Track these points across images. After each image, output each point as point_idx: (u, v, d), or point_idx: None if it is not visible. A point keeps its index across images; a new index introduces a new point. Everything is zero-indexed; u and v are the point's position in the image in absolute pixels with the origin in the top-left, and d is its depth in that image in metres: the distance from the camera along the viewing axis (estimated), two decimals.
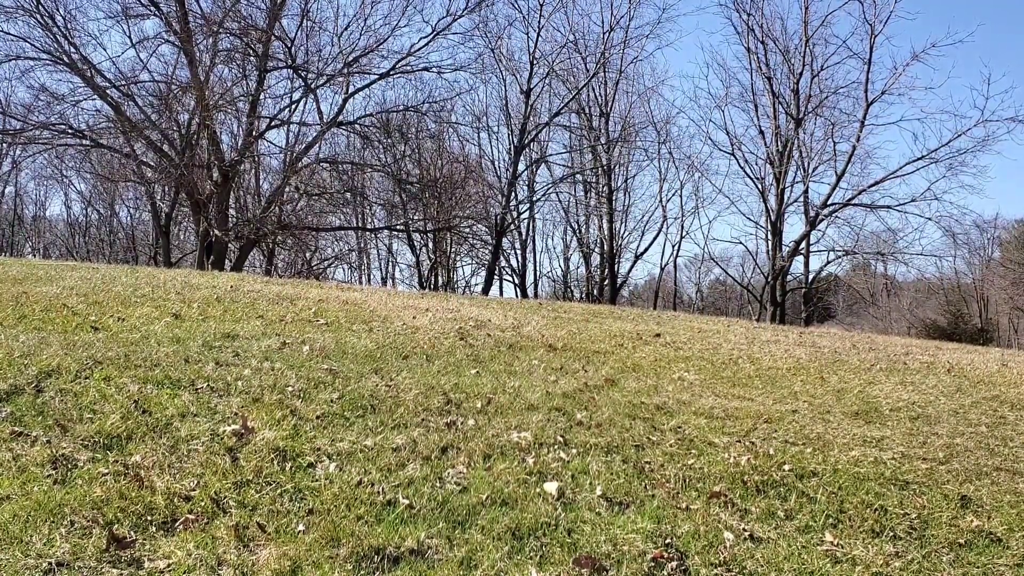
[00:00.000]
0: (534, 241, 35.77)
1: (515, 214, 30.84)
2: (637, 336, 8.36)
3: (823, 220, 27.47)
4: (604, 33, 28.92)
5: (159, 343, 5.35)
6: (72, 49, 18.93)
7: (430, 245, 32.62)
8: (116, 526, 2.87)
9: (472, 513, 3.28)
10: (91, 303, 6.69)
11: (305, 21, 21.33)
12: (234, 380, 4.65)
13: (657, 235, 33.39)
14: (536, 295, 35.26)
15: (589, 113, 31.24)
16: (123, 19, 19.81)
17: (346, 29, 22.29)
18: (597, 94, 30.87)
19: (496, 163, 32.36)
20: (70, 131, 19.54)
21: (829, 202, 26.78)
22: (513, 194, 29.66)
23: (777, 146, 27.73)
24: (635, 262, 34.43)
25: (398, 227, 28.75)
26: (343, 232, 32.70)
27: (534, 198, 32.01)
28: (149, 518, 2.96)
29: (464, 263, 36.14)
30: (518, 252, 34.31)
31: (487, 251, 30.19)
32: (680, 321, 11.24)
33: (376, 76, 22.69)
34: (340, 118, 22.75)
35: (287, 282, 12.29)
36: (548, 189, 32.36)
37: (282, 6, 20.92)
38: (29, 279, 7.76)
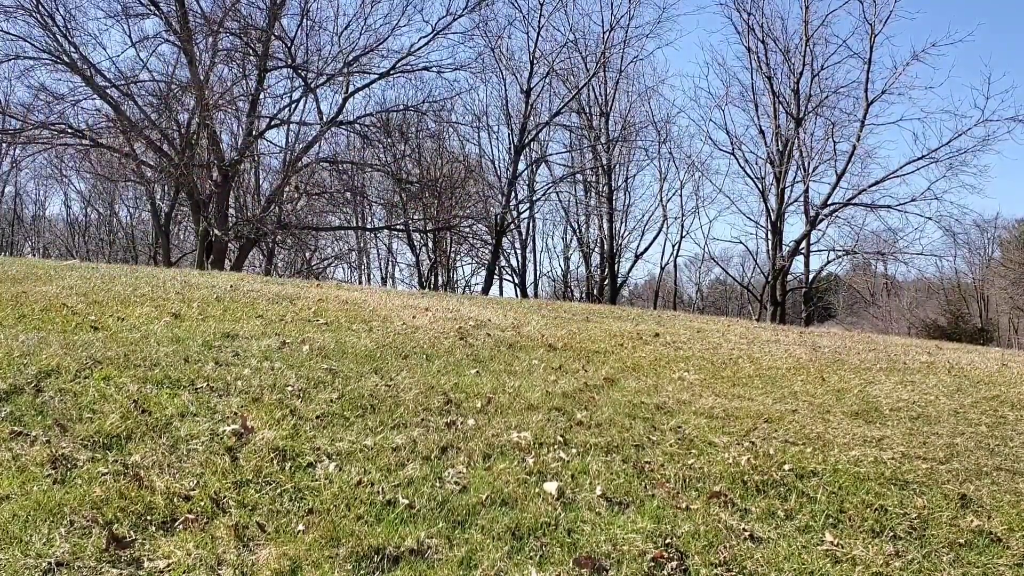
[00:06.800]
0: (534, 241, 35.80)
1: (515, 214, 30.84)
2: (637, 336, 8.36)
3: (823, 220, 27.46)
4: (604, 32, 28.94)
5: (159, 343, 5.34)
6: (72, 48, 18.93)
7: (430, 245, 32.61)
8: (116, 526, 2.87)
9: (472, 513, 3.28)
10: (91, 302, 6.68)
11: (305, 20, 21.34)
12: (234, 380, 4.65)
13: (657, 235, 33.42)
14: (536, 295, 35.25)
15: (589, 113, 31.23)
16: (123, 19, 19.80)
17: (346, 28, 22.30)
18: (597, 94, 30.88)
19: (496, 163, 32.39)
20: (70, 131, 19.52)
21: (829, 202, 26.77)
22: (513, 194, 29.67)
23: (777, 146, 27.72)
24: (635, 262, 34.47)
25: (398, 227, 28.75)
26: (343, 232, 32.72)
27: (534, 198, 31.99)
28: (149, 518, 2.96)
29: (464, 263, 36.18)
30: (518, 252, 34.31)
31: (487, 251, 30.18)
32: (680, 321, 11.23)
33: (376, 75, 22.71)
34: (340, 118, 22.75)
35: (287, 282, 12.28)
36: (548, 189, 32.35)
37: (282, 5, 20.92)
38: (29, 278, 7.76)
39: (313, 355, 5.56)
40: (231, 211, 22.62)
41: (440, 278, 33.91)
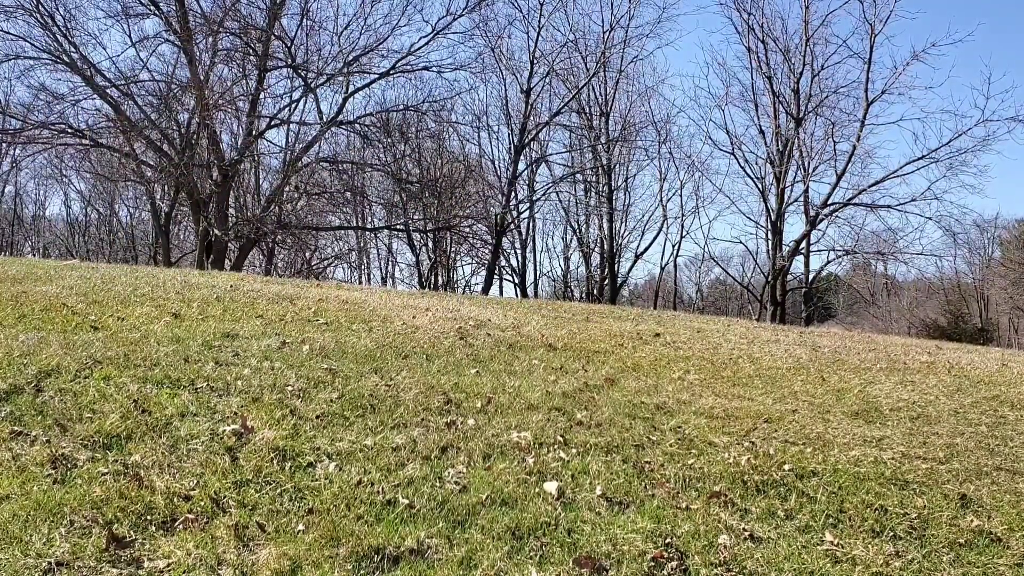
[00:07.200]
0: (534, 241, 35.78)
1: (515, 214, 30.82)
2: (637, 336, 8.36)
3: (823, 220, 27.44)
4: (604, 32, 28.91)
5: (159, 342, 5.35)
6: (72, 48, 18.92)
7: (430, 245, 32.61)
8: (116, 526, 2.87)
9: (472, 513, 3.28)
10: (91, 302, 6.68)
11: (305, 20, 21.32)
12: (234, 379, 4.65)
13: (657, 235, 33.40)
14: (536, 295, 35.24)
15: (589, 112, 31.22)
16: (123, 18, 19.79)
17: (346, 28, 22.27)
18: (597, 93, 30.85)
19: (496, 163, 32.36)
20: (70, 130, 19.51)
21: (829, 202, 26.75)
22: (513, 194, 29.66)
23: (777, 145, 27.71)
24: (635, 262, 34.46)
25: (398, 227, 28.75)
26: (343, 232, 32.72)
27: (534, 198, 31.96)
28: (149, 518, 2.96)
29: (464, 263, 36.16)
30: (518, 252, 34.30)
31: (487, 251, 30.16)
32: (680, 321, 11.23)
33: (376, 75, 22.69)
34: (340, 117, 22.73)
35: (287, 281, 12.28)
36: (548, 189, 32.31)
37: (282, 5, 20.91)
38: (29, 278, 7.76)
39: (313, 355, 5.56)
40: (231, 211, 22.62)
41: (440, 278, 33.91)
